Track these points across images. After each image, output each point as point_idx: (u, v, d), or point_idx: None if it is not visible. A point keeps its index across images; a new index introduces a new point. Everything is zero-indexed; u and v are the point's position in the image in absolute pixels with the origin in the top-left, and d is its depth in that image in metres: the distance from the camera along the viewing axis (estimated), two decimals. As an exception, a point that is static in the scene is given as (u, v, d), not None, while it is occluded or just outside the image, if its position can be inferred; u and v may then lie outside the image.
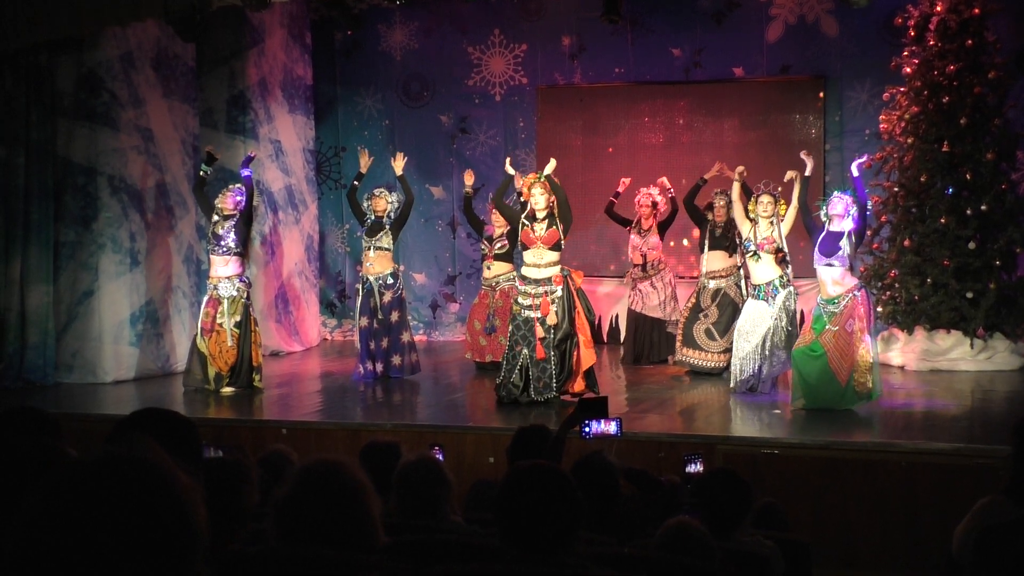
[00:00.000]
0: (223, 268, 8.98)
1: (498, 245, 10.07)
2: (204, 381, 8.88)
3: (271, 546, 2.68)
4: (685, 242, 11.75)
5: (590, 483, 3.88)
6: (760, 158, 11.29)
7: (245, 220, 9.04)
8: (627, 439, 6.18)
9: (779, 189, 8.59)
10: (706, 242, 9.78)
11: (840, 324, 7.62)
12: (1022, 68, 10.56)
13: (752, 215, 8.49)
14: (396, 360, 9.56)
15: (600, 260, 12.40)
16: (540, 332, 8.01)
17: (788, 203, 8.39)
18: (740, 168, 8.78)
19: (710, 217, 9.84)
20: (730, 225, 9.64)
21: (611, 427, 4.83)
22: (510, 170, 9.16)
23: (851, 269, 7.86)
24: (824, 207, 7.89)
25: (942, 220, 9.79)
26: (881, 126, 10.51)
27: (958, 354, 9.76)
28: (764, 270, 8.44)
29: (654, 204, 10.42)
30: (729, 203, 9.70)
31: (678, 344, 9.82)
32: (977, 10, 9.89)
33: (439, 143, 12.91)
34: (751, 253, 8.44)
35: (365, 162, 9.83)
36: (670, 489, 4.75)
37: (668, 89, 12.23)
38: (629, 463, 5.27)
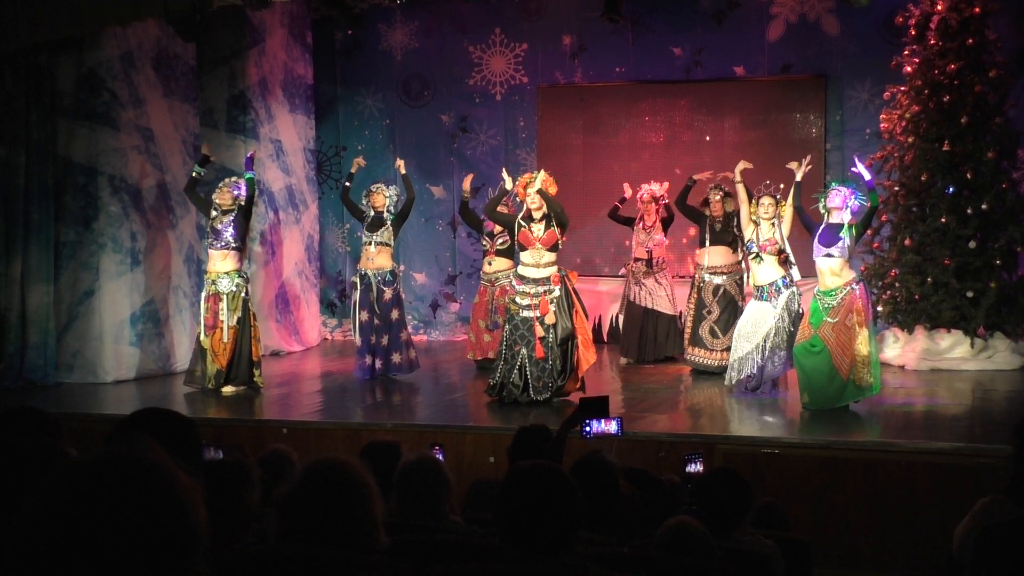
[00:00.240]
0: (222, 263, 8.97)
1: (500, 241, 10.05)
2: (205, 380, 8.87)
3: (271, 546, 2.68)
4: (684, 241, 11.74)
5: (590, 483, 3.88)
6: (761, 157, 11.25)
7: (244, 215, 9.02)
8: (627, 439, 6.18)
9: (780, 187, 8.56)
10: (707, 237, 9.76)
11: (839, 317, 7.61)
12: (1023, 67, 10.55)
13: (754, 217, 8.47)
14: (396, 358, 9.57)
15: (600, 259, 12.40)
16: (539, 331, 8.01)
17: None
18: (742, 165, 8.72)
19: (707, 212, 9.83)
20: (729, 218, 9.62)
21: (612, 427, 4.83)
22: (508, 184, 9.12)
23: (850, 262, 7.83)
24: (823, 199, 7.87)
25: (943, 219, 9.79)
26: (882, 125, 10.51)
27: (959, 353, 9.76)
28: (767, 271, 8.44)
29: (655, 199, 10.40)
30: (724, 196, 9.72)
31: (685, 343, 9.81)
32: (978, 9, 9.89)
33: (439, 143, 12.91)
34: (753, 255, 8.43)
35: (356, 165, 9.83)
36: (670, 489, 4.75)
37: (669, 88, 12.23)
38: (629, 463, 5.27)
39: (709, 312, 9.64)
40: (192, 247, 10.56)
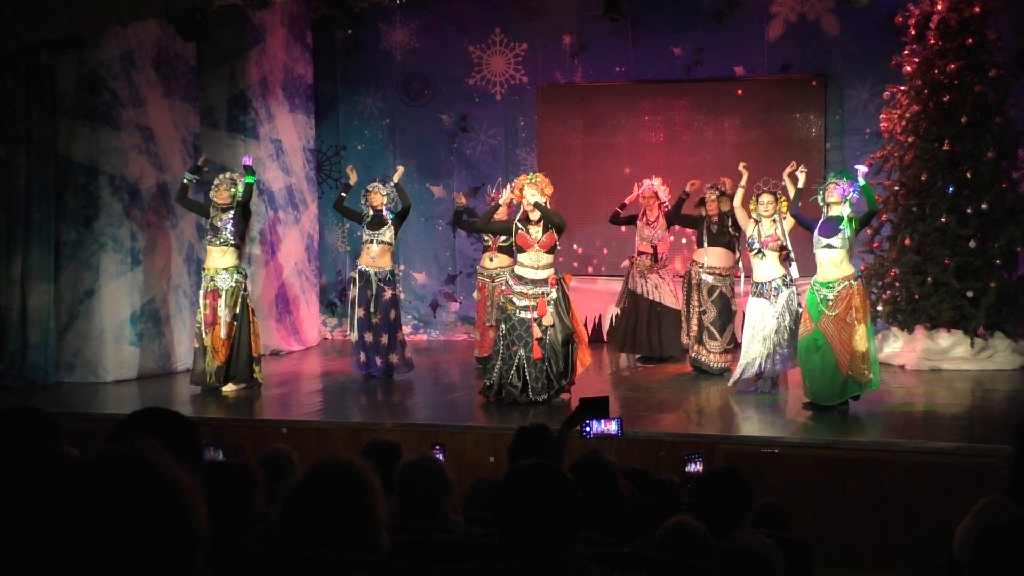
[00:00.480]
0: (220, 259, 8.95)
1: (502, 238, 10.01)
2: (207, 377, 8.86)
3: (271, 546, 2.68)
4: (683, 239, 11.75)
5: (590, 483, 3.87)
6: (761, 157, 11.28)
7: (243, 213, 9.02)
8: (627, 438, 6.18)
9: (780, 184, 8.54)
10: (704, 238, 9.74)
11: (837, 311, 7.60)
12: (1023, 66, 10.55)
13: (754, 215, 8.47)
14: (394, 358, 9.57)
15: (599, 259, 12.40)
16: (537, 332, 8.01)
17: (788, 199, 8.38)
18: (745, 174, 8.69)
19: (703, 212, 9.81)
20: (724, 218, 9.58)
21: (612, 427, 4.83)
22: (502, 200, 9.15)
23: (850, 256, 7.81)
24: (822, 192, 7.85)
25: (943, 219, 9.79)
26: (882, 125, 10.52)
27: (959, 353, 9.75)
28: (768, 268, 8.43)
29: (656, 194, 10.39)
30: (720, 195, 9.70)
31: (691, 342, 9.75)
32: (978, 8, 9.89)
33: (439, 142, 12.92)
34: (755, 251, 8.42)
35: (353, 177, 9.82)
36: (670, 488, 4.75)
37: (669, 88, 12.23)
38: (629, 463, 5.27)
39: (704, 312, 9.63)
40: (192, 246, 10.56)
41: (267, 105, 11.73)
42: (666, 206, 10.33)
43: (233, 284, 8.93)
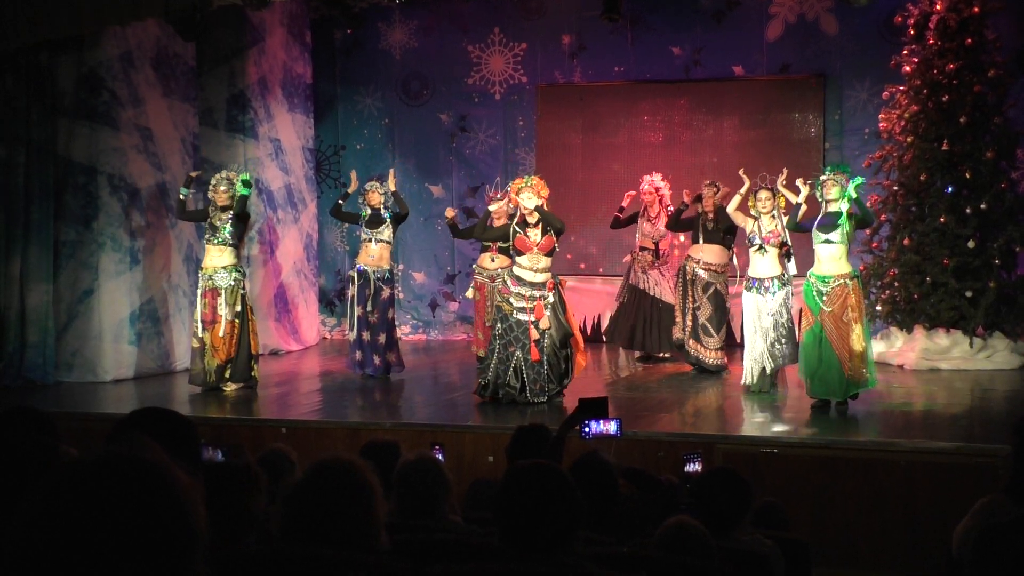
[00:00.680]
0: (219, 258, 8.93)
1: (501, 240, 9.97)
2: (206, 376, 8.85)
3: (270, 546, 2.68)
4: (682, 238, 11.74)
5: (589, 483, 3.87)
6: (760, 157, 11.29)
7: (241, 218, 9.00)
8: (626, 439, 6.18)
9: (779, 180, 8.52)
10: (700, 235, 9.71)
11: (834, 307, 7.59)
12: (1022, 67, 10.56)
13: (753, 211, 8.47)
14: (392, 357, 9.57)
15: (598, 259, 12.40)
16: (535, 334, 8.01)
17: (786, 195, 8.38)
18: (747, 183, 8.69)
19: (700, 209, 9.79)
20: (720, 214, 9.50)
21: (611, 427, 4.83)
22: (493, 207, 9.18)
23: (849, 254, 7.79)
24: (820, 188, 7.83)
25: (942, 219, 9.79)
26: (881, 125, 10.52)
27: (958, 353, 9.75)
28: (767, 265, 8.42)
29: (657, 191, 10.38)
30: (717, 191, 9.70)
31: (685, 337, 9.72)
32: (977, 8, 9.89)
33: (439, 142, 12.92)
34: (757, 247, 8.42)
35: (354, 182, 9.79)
36: (669, 488, 4.75)
37: (668, 88, 12.23)
38: (628, 463, 5.27)
39: (699, 308, 9.61)
40: (191, 246, 10.56)
41: (266, 105, 11.73)
42: (668, 207, 10.33)
43: (232, 282, 8.92)
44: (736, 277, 9.26)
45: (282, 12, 11.90)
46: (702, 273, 9.63)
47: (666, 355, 10.43)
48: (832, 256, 7.67)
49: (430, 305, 13.02)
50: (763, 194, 8.41)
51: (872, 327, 10.44)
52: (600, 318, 12.19)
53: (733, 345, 10.38)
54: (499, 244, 9.87)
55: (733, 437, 7.06)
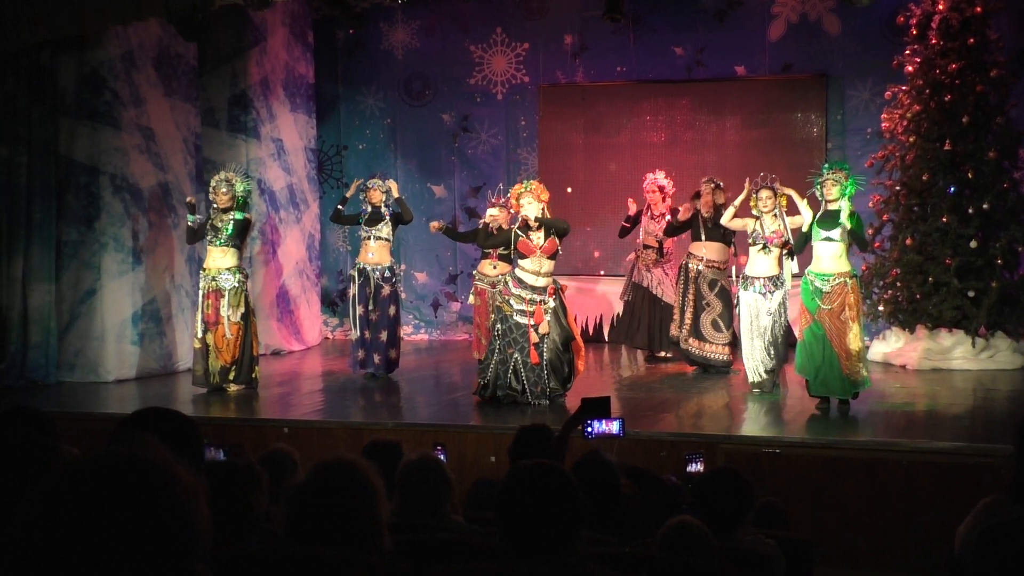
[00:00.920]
0: (221, 259, 8.91)
1: (502, 247, 9.95)
2: (210, 377, 8.85)
3: (272, 546, 2.68)
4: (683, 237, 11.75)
5: (591, 482, 3.87)
6: (762, 157, 11.31)
7: (241, 231, 8.96)
8: (628, 438, 6.17)
9: (776, 181, 8.52)
10: (702, 232, 9.70)
11: (832, 306, 7.58)
12: (1024, 66, 10.56)
13: (755, 211, 8.47)
14: (393, 354, 9.56)
15: (599, 260, 12.40)
16: (534, 338, 8.00)
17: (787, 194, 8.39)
18: (748, 181, 8.69)
19: (698, 206, 9.79)
20: (719, 211, 9.47)
21: (614, 427, 4.83)
22: (487, 219, 9.22)
23: (849, 254, 7.78)
24: (818, 186, 7.82)
25: (944, 219, 9.79)
26: (883, 125, 10.51)
27: (960, 353, 9.75)
28: (768, 264, 8.41)
29: (660, 188, 10.37)
30: (715, 188, 9.70)
31: (684, 335, 9.71)
32: (979, 8, 9.88)
33: (441, 142, 12.92)
34: (761, 246, 8.41)
35: (353, 189, 9.77)
36: (671, 488, 4.75)
37: (670, 88, 12.23)
38: (631, 463, 5.26)
39: (708, 305, 9.61)
40: (193, 246, 10.56)
41: (268, 105, 11.73)
42: (670, 206, 10.34)
43: (236, 284, 8.91)
44: (734, 276, 9.27)
45: (284, 12, 11.90)
46: (706, 271, 9.62)
47: (668, 354, 10.43)
48: (832, 254, 7.66)
49: (432, 305, 13.02)
50: (764, 193, 8.41)
51: (875, 327, 10.48)
52: (601, 319, 12.18)
53: (738, 341, 10.38)
54: (499, 251, 9.83)
55: (735, 437, 7.06)
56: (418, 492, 3.60)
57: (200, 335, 8.89)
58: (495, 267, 9.88)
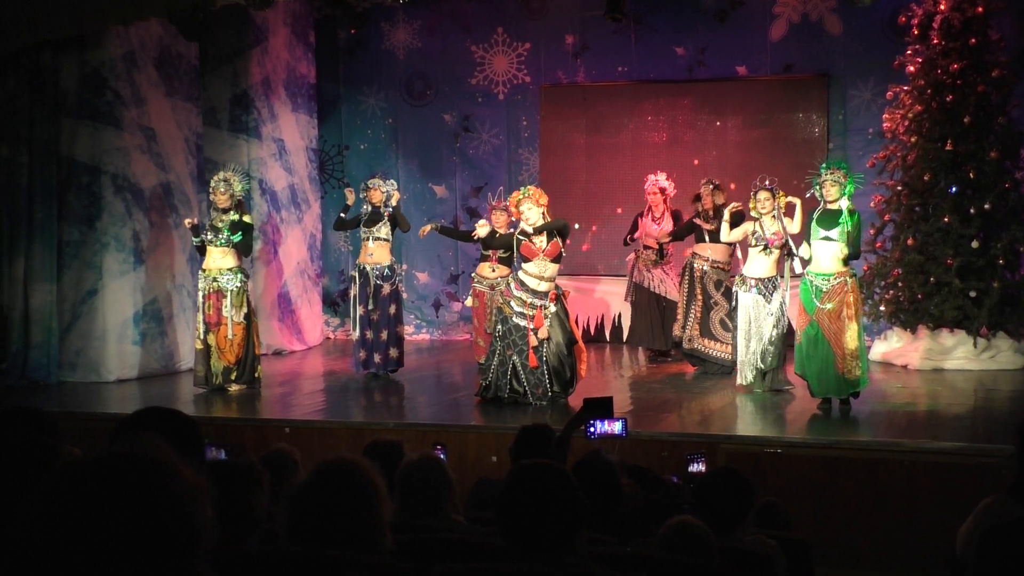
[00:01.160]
0: (221, 260, 8.91)
1: (503, 250, 9.93)
2: (212, 377, 8.85)
3: (273, 546, 2.68)
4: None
5: (592, 483, 3.87)
6: (763, 157, 11.30)
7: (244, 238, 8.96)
8: (630, 438, 6.17)
9: (775, 183, 8.51)
10: (705, 235, 9.71)
11: (831, 304, 7.57)
12: (1026, 66, 10.55)
13: (754, 212, 8.46)
14: (394, 353, 9.56)
15: (599, 260, 12.39)
16: (533, 341, 8.00)
17: (786, 195, 8.39)
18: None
19: (699, 208, 9.79)
20: (720, 211, 9.45)
21: (616, 427, 4.83)
22: (481, 232, 9.28)
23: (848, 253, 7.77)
24: (818, 186, 7.81)
25: (945, 219, 9.78)
26: (884, 125, 10.50)
27: (961, 353, 9.74)
28: (767, 265, 8.41)
29: (661, 190, 10.37)
30: (715, 189, 9.70)
31: (690, 335, 9.69)
32: (981, 8, 9.87)
33: (442, 142, 12.92)
34: (761, 247, 8.40)
35: (351, 198, 9.76)
36: (672, 488, 4.75)
37: (671, 88, 12.22)
38: (632, 463, 5.26)
39: (716, 304, 9.61)
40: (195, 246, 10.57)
41: (270, 105, 11.73)
42: (670, 208, 10.34)
43: (238, 284, 8.91)
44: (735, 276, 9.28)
45: (285, 12, 11.90)
46: (712, 271, 9.64)
47: (674, 353, 10.43)
48: (832, 254, 7.65)
49: (433, 305, 13.02)
50: (762, 195, 8.40)
51: (876, 327, 10.47)
52: (602, 319, 12.18)
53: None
54: (499, 254, 9.81)
55: (736, 437, 7.06)
56: (419, 492, 3.60)
57: (201, 336, 8.90)
58: (494, 270, 9.84)
